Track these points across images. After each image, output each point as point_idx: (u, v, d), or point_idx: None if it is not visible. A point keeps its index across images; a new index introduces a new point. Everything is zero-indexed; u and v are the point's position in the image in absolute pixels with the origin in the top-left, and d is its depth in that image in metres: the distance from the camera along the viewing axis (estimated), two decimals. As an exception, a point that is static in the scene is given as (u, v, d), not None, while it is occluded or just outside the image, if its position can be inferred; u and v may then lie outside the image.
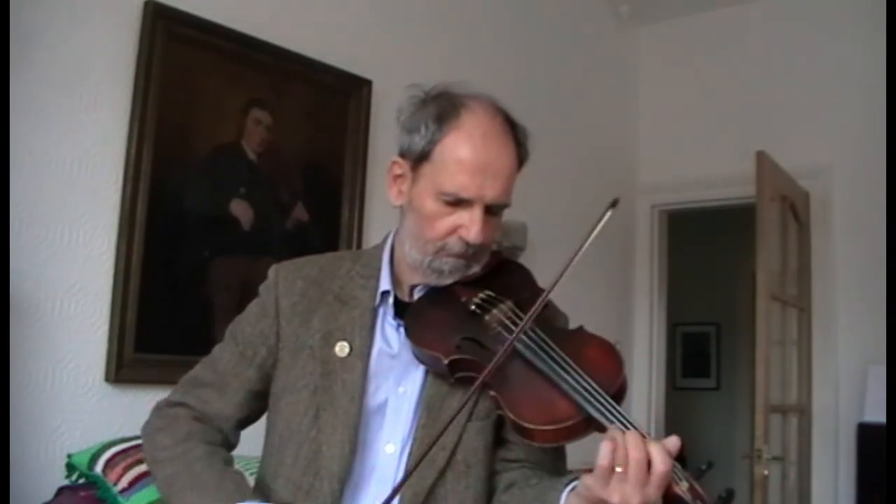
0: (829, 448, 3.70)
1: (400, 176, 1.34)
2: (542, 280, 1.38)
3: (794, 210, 3.77)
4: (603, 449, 1.07)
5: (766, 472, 3.22)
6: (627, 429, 1.09)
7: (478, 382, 1.19)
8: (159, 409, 1.38)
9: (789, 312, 3.76)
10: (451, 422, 1.20)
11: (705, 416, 6.01)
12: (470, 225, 1.25)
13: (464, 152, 1.25)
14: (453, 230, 1.27)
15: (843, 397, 3.70)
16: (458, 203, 1.26)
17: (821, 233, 3.85)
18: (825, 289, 3.81)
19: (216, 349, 1.40)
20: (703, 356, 6.21)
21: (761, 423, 3.23)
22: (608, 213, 1.24)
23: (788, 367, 3.78)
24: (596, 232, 1.23)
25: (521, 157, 1.33)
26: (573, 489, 1.16)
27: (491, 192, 1.25)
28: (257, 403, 1.37)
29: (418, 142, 1.29)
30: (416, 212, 1.30)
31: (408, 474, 1.21)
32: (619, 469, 1.05)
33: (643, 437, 1.07)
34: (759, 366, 3.27)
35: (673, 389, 5.41)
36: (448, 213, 1.27)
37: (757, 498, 3.21)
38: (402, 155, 1.33)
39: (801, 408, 3.77)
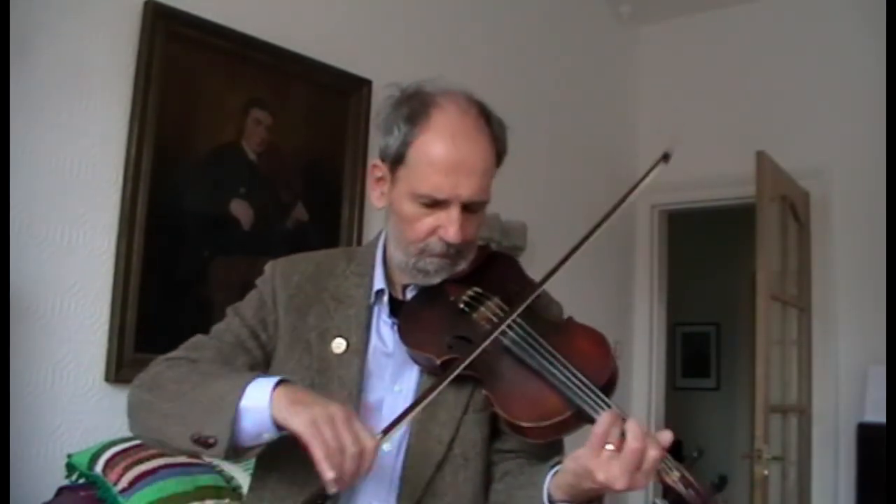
0: (829, 448, 3.70)
1: (381, 179, 1.34)
2: (542, 276, 1.38)
3: (794, 210, 3.77)
4: (603, 418, 1.07)
5: (766, 472, 3.22)
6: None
7: (460, 368, 1.18)
8: (157, 361, 1.31)
9: (789, 312, 3.76)
10: (422, 401, 1.15)
11: (705, 416, 6.01)
12: (448, 225, 1.25)
13: (435, 152, 1.24)
14: (433, 231, 1.26)
15: (843, 397, 3.70)
16: (434, 204, 1.25)
17: (821, 233, 3.85)
18: (825, 289, 3.81)
19: (218, 326, 1.36)
20: (703, 356, 6.20)
21: (761, 423, 3.23)
22: (659, 166, 1.23)
23: (788, 367, 3.78)
24: (645, 182, 1.21)
25: (499, 151, 1.31)
26: (559, 470, 1.15)
27: (466, 191, 1.24)
28: None
29: (392, 144, 1.28)
30: (396, 214, 1.30)
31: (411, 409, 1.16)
32: (610, 447, 1.05)
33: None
34: (759, 366, 3.27)
35: (673, 389, 5.41)
36: (426, 215, 1.26)
37: (757, 498, 3.21)
38: (382, 157, 1.32)
39: (801, 408, 3.77)
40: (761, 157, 3.40)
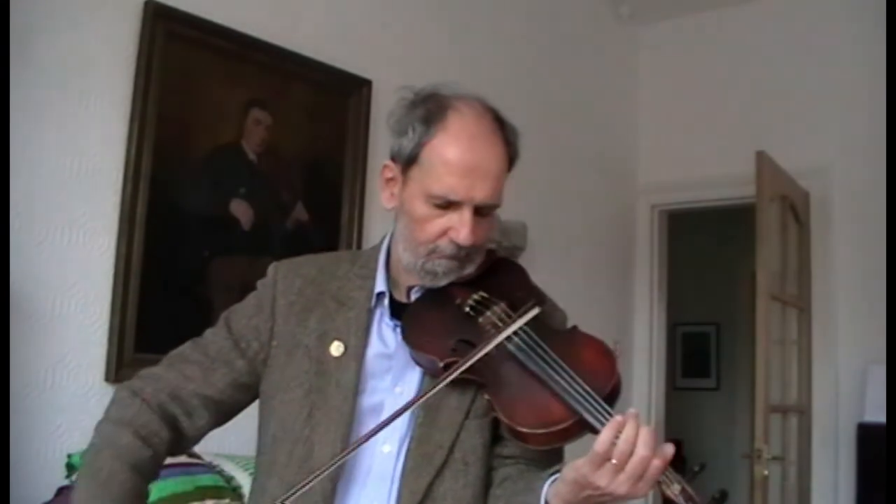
0: (829, 448, 3.70)
1: (391, 179, 1.34)
2: (540, 280, 1.38)
3: (794, 210, 3.77)
4: (603, 434, 1.07)
5: (765, 472, 3.22)
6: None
7: (455, 373, 1.19)
8: (140, 376, 1.35)
9: (789, 312, 3.76)
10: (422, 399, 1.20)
11: (705, 416, 6.01)
12: (460, 227, 1.25)
13: (451, 154, 1.25)
14: (444, 232, 1.26)
15: (843, 397, 3.70)
16: (447, 205, 1.25)
17: (821, 233, 3.85)
18: (825, 289, 3.81)
19: (208, 333, 1.39)
20: (703, 356, 6.20)
21: (761, 423, 3.23)
22: (534, 311, 1.24)
23: (788, 367, 3.78)
24: (516, 326, 1.23)
25: (511, 156, 1.32)
26: (557, 478, 1.16)
27: (480, 194, 1.25)
28: (238, 395, 1.36)
29: (406, 144, 1.29)
30: (407, 214, 1.30)
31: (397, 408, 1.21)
32: (614, 461, 1.06)
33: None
34: (759, 366, 3.27)
35: (673, 389, 5.41)
36: (438, 216, 1.26)
37: (757, 498, 3.21)
38: (393, 158, 1.33)
39: (801, 408, 3.77)
40: (761, 157, 3.40)
